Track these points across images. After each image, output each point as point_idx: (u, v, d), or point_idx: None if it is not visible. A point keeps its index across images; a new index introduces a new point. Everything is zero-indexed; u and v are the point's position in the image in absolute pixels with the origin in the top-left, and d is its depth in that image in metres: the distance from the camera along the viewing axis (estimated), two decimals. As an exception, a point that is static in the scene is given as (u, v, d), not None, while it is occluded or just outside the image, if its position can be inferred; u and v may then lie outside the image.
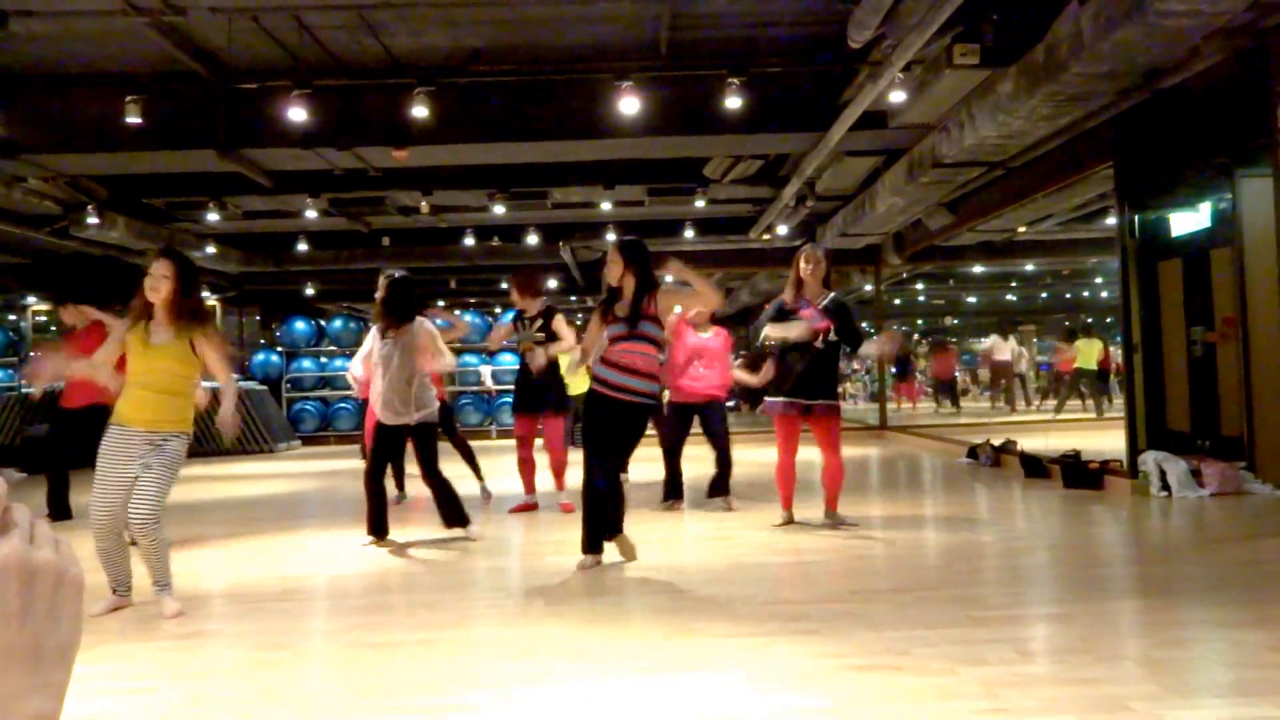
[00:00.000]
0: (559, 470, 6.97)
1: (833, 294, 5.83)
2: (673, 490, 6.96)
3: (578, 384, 9.67)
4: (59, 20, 6.24)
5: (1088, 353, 14.77)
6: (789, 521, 6.02)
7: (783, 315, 5.78)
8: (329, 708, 3.04)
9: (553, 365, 6.71)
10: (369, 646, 3.65)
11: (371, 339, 6.42)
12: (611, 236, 12.78)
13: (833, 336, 5.68)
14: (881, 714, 2.77)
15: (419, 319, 5.83)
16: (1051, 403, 16.35)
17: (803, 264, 5.78)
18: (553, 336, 6.64)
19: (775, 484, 6.10)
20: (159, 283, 4.16)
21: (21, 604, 0.61)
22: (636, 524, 6.72)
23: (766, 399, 5.90)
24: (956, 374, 19.13)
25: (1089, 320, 14.82)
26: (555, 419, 6.85)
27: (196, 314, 4.27)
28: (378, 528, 5.81)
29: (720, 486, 6.88)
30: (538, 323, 6.67)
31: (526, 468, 6.95)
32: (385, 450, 5.88)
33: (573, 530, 6.23)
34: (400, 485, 7.74)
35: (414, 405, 5.70)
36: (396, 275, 5.92)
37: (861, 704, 2.85)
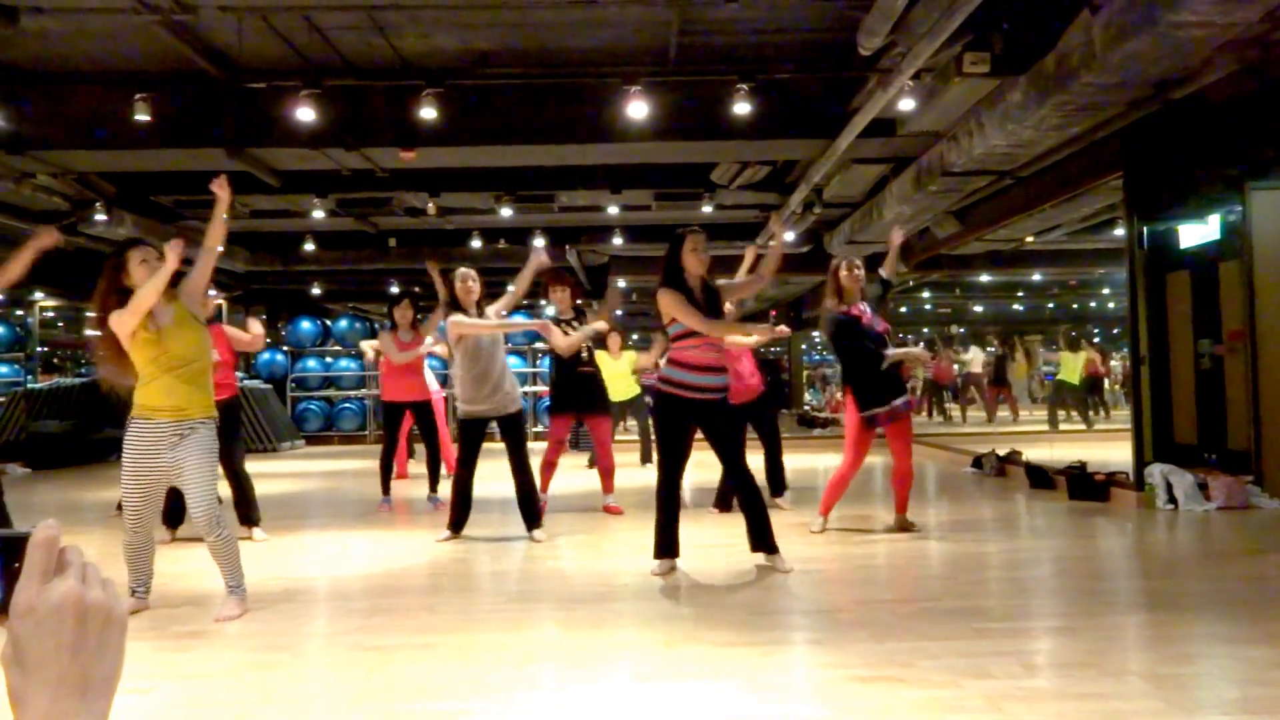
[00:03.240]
0: (609, 473, 7.00)
1: (868, 300, 5.95)
2: (724, 499, 6.87)
3: (619, 389, 9.71)
4: (69, 17, 6.25)
5: (1071, 366, 14.69)
6: (823, 530, 6.08)
7: (851, 324, 5.84)
8: (328, 710, 3.02)
9: (596, 365, 6.79)
10: (369, 649, 3.64)
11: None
12: (618, 240, 12.78)
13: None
14: (884, 726, 2.75)
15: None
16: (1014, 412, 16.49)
17: (843, 272, 5.89)
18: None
19: (828, 490, 6.11)
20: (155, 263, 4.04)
21: (75, 638, 0.69)
22: (640, 529, 6.68)
23: (865, 411, 5.81)
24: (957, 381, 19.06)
25: (1073, 333, 14.73)
26: (602, 420, 6.86)
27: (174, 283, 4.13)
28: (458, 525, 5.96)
29: (776, 485, 7.03)
30: (582, 320, 6.80)
31: (550, 470, 6.95)
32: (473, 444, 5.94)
33: (576, 533, 6.23)
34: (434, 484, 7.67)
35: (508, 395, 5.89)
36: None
37: (863, 715, 2.82)
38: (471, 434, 5.86)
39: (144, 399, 4.08)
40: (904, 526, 6.05)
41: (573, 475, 9.26)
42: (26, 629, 0.68)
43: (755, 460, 7.07)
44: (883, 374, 5.80)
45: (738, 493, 4.96)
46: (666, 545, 4.89)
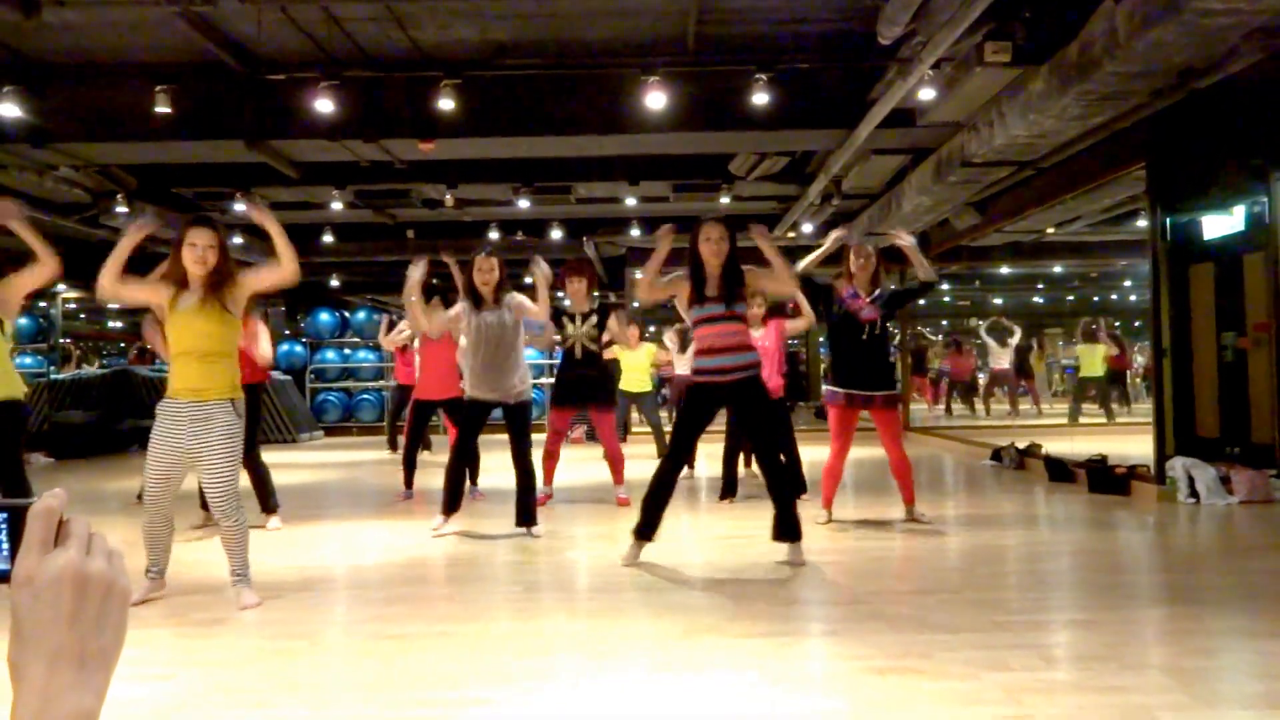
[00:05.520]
0: (617, 464, 7.04)
1: (879, 289, 5.92)
2: (728, 488, 7.15)
3: (633, 380, 9.73)
4: (90, 9, 6.29)
5: (1090, 358, 14.60)
6: (829, 521, 6.07)
7: (832, 303, 5.93)
8: (347, 698, 3.04)
9: (601, 359, 6.78)
10: (387, 638, 3.65)
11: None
12: (636, 232, 12.76)
13: (878, 331, 5.82)
14: (901, 718, 2.74)
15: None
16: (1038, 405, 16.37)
17: (853, 259, 5.91)
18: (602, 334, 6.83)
19: (823, 481, 6.16)
20: (206, 254, 4.07)
21: (73, 609, 0.68)
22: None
23: (825, 389, 5.99)
24: (980, 376, 18.90)
25: (1092, 325, 14.59)
26: (605, 413, 6.87)
27: (229, 276, 4.17)
28: (452, 507, 5.90)
29: (796, 484, 7.00)
30: (591, 319, 6.73)
31: (551, 461, 6.99)
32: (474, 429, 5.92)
33: (591, 524, 6.24)
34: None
35: (518, 382, 5.81)
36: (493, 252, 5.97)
37: (881, 707, 2.81)
38: (472, 416, 5.85)
39: (169, 379, 4.16)
40: (912, 517, 6.07)
41: (584, 467, 9.26)
42: (24, 599, 0.68)
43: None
44: (858, 360, 5.80)
45: (766, 479, 4.92)
46: (647, 525, 4.90)
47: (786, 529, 4.87)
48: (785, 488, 4.90)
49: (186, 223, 4.21)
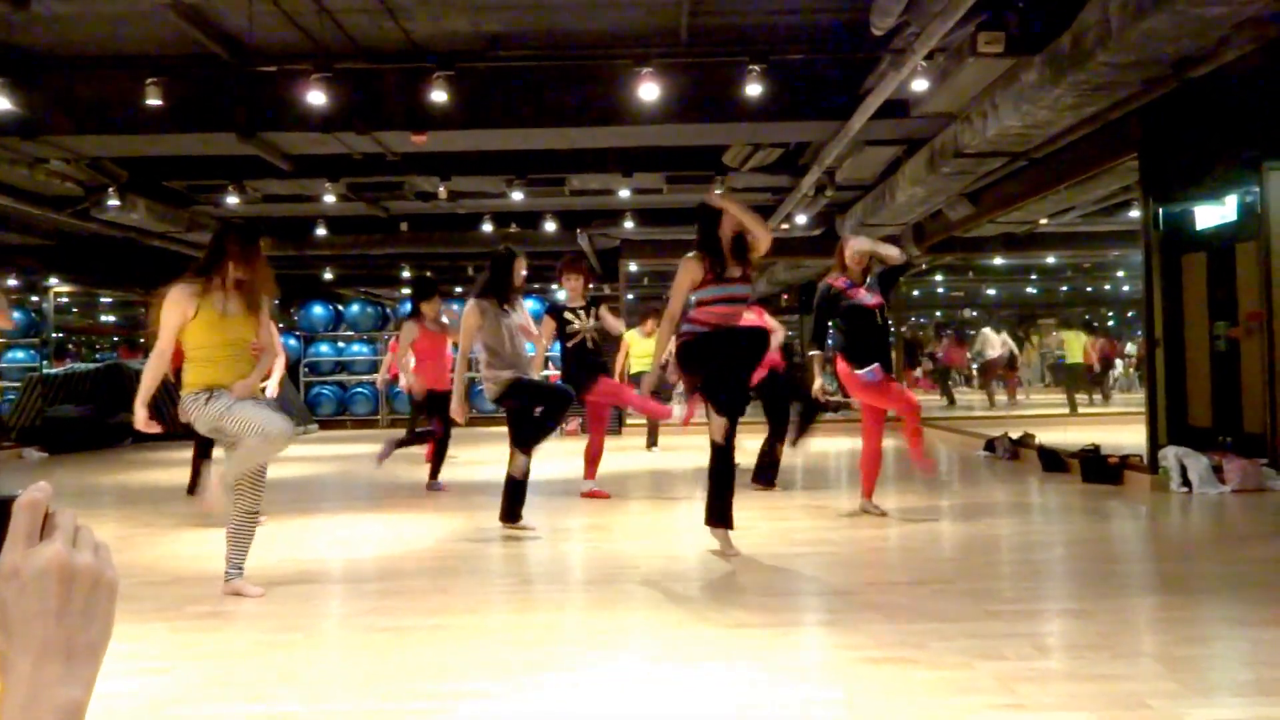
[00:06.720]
0: (594, 458, 7.06)
1: (869, 278, 5.99)
2: (765, 472, 7.14)
3: (644, 365, 9.79)
4: (81, 1, 6.24)
5: (1074, 346, 14.72)
6: (869, 511, 6.02)
7: (834, 299, 5.89)
8: (342, 691, 3.05)
9: (603, 351, 6.89)
10: (383, 631, 3.66)
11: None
12: (630, 224, 12.74)
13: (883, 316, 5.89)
14: (896, 707, 2.75)
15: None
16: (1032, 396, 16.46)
17: (849, 250, 5.96)
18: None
19: (861, 470, 6.18)
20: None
21: (59, 603, 0.68)
22: (648, 513, 6.71)
23: (859, 373, 5.81)
24: (973, 367, 18.97)
25: (1086, 315, 14.72)
26: (604, 407, 6.91)
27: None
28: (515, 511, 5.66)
29: (769, 473, 7.00)
30: (592, 312, 6.78)
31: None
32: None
33: (586, 517, 6.25)
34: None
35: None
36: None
37: (876, 696, 2.83)
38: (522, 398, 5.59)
39: (211, 376, 4.12)
40: (868, 510, 6.04)
41: (579, 461, 9.25)
42: (10, 592, 0.68)
43: (754, 443, 7.18)
44: (872, 345, 5.81)
45: (712, 459, 4.81)
46: (725, 511, 4.83)
47: (722, 515, 4.83)
48: (729, 476, 4.79)
49: (255, 233, 4.28)
